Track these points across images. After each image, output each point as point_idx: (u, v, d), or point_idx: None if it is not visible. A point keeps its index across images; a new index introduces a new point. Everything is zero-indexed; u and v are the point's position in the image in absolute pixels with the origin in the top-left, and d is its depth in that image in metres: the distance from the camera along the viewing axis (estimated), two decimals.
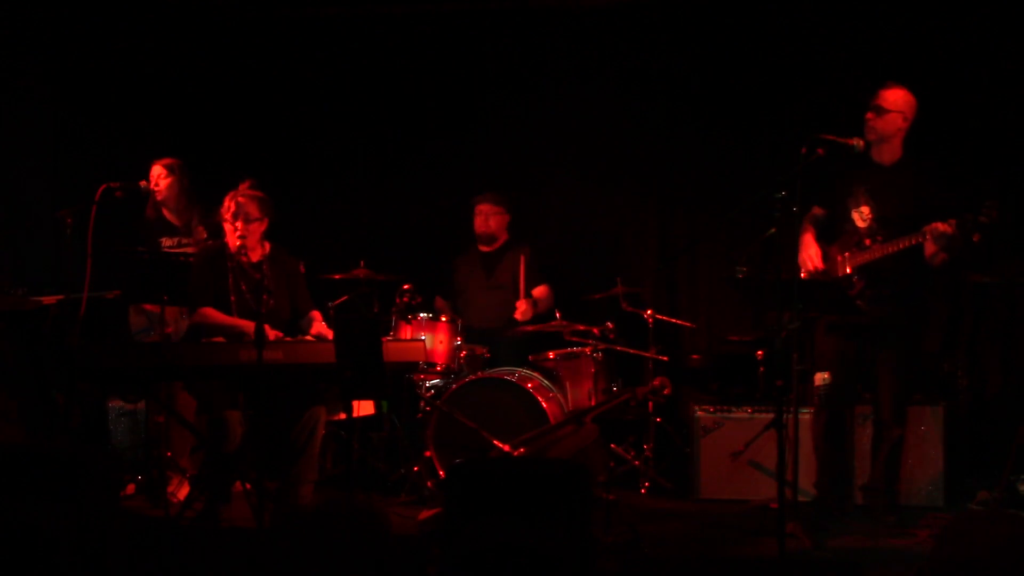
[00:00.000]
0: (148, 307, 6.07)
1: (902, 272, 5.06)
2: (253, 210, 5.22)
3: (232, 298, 5.22)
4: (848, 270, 5.08)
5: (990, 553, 2.53)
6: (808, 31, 6.72)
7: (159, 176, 6.19)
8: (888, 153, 5.15)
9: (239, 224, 5.20)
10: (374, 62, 7.30)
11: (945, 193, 5.00)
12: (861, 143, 4.97)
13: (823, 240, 5.24)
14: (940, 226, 4.79)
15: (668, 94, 7.00)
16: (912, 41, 6.53)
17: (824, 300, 5.06)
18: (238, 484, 5.06)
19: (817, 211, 5.28)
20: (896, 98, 5.10)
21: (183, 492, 5.71)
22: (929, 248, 4.93)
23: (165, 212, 6.23)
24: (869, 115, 5.10)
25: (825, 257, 5.17)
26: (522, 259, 6.40)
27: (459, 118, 7.26)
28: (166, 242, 6.18)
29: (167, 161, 6.22)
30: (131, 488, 5.89)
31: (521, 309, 6.33)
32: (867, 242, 5.07)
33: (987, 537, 2.56)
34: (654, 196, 7.20)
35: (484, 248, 6.62)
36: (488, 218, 6.54)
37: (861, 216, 5.13)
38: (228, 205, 5.23)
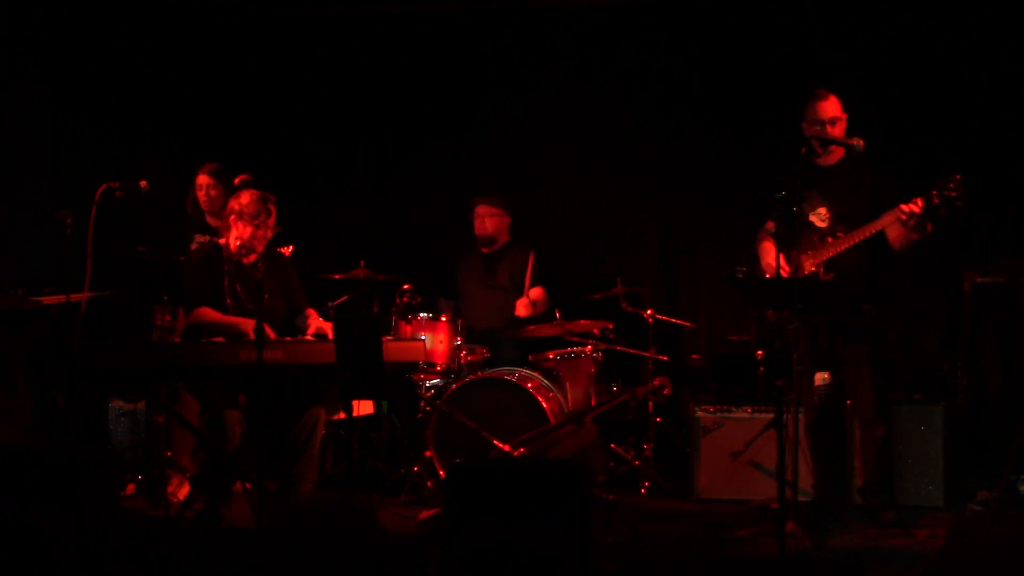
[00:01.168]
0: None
1: (868, 267, 5.10)
2: (274, 214, 5.25)
3: (228, 300, 5.21)
4: (813, 267, 5.11)
5: (998, 554, 2.53)
6: (808, 31, 6.71)
7: (208, 186, 6.20)
8: (833, 155, 5.19)
9: (263, 225, 5.19)
10: (374, 62, 7.30)
11: (885, 184, 5.05)
12: (862, 143, 4.99)
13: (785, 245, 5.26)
14: (906, 207, 4.84)
15: (668, 94, 7.00)
16: (912, 41, 6.54)
17: (824, 301, 5.06)
18: (238, 484, 5.06)
19: (770, 225, 5.30)
20: (836, 104, 5.19)
21: (183, 492, 5.72)
22: (895, 232, 4.96)
23: (208, 216, 6.26)
24: (827, 128, 5.14)
25: (788, 260, 5.19)
26: (531, 260, 6.42)
27: (459, 118, 7.26)
28: (199, 238, 6.19)
29: (213, 168, 6.22)
30: (131, 488, 5.89)
31: (520, 306, 6.32)
32: (829, 239, 5.11)
33: (995, 538, 2.56)
34: (654, 196, 7.20)
35: (485, 249, 6.61)
36: (484, 220, 6.53)
37: (820, 217, 5.19)
38: (257, 206, 5.19)
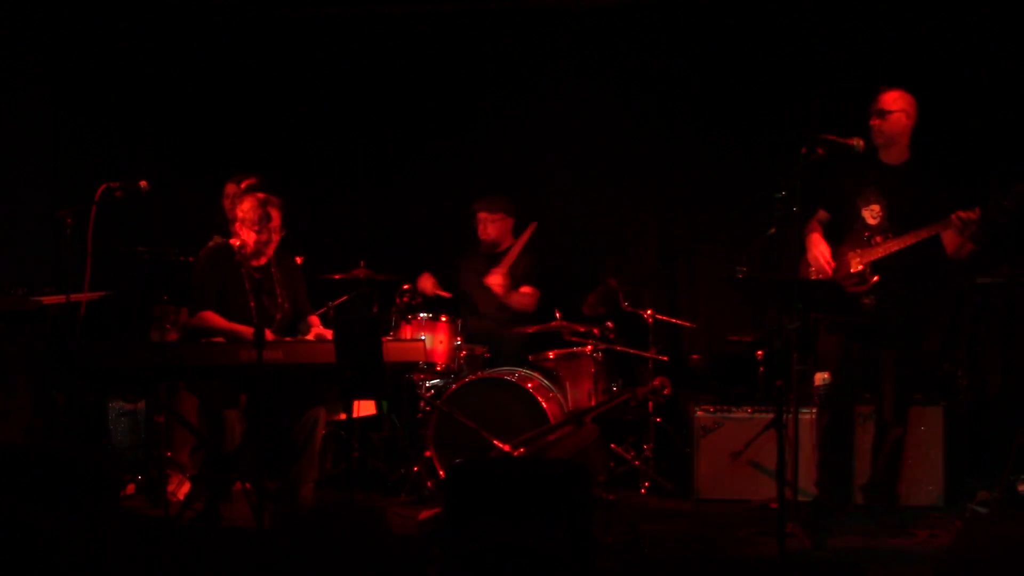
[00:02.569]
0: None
1: (917, 270, 5.08)
2: (278, 218, 5.20)
3: (252, 303, 5.12)
4: (860, 266, 5.10)
5: (1001, 554, 2.53)
6: (808, 31, 6.72)
7: (233, 196, 6.15)
8: (896, 154, 5.19)
9: (265, 230, 5.16)
10: (374, 62, 7.30)
11: (950, 191, 5.02)
12: (861, 143, 4.98)
13: (830, 240, 5.25)
14: (964, 213, 4.81)
15: (668, 94, 7.00)
16: (912, 41, 6.54)
17: (824, 300, 5.06)
18: (238, 484, 5.06)
19: (822, 215, 5.30)
20: (896, 98, 5.15)
21: (183, 492, 5.72)
22: (953, 240, 4.94)
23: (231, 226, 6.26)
24: (874, 121, 5.15)
25: (835, 255, 5.19)
26: (528, 232, 6.41)
27: (459, 118, 7.25)
28: (217, 239, 6.19)
29: (239, 178, 6.23)
30: (131, 488, 5.90)
31: (496, 281, 6.26)
32: (878, 239, 5.09)
33: (998, 538, 2.56)
34: (654, 196, 7.20)
35: (488, 252, 6.60)
36: (487, 226, 6.52)
37: (872, 214, 5.16)
38: (258, 212, 5.14)
